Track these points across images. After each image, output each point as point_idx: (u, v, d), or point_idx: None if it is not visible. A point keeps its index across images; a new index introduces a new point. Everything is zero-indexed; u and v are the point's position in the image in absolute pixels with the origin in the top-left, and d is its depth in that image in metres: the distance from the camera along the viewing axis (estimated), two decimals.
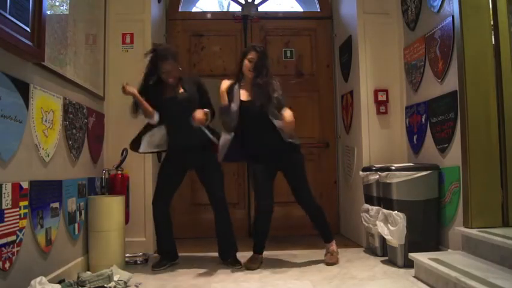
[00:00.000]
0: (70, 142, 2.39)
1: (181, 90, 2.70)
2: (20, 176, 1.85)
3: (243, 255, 2.79)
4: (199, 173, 2.79)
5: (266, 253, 2.86)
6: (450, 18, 2.55)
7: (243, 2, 4.23)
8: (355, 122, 3.46)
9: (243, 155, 2.76)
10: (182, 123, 2.63)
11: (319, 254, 2.91)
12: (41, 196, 2.03)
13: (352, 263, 2.71)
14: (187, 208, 3.79)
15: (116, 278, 2.21)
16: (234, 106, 2.63)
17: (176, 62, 2.68)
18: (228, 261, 2.73)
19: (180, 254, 2.84)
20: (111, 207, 2.60)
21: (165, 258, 2.72)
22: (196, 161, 2.73)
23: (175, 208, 3.71)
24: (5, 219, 1.71)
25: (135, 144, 2.73)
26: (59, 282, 2.05)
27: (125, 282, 2.23)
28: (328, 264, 2.68)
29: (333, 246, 2.80)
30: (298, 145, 2.71)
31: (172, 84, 2.67)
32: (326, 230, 2.81)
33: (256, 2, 4.23)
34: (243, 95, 2.69)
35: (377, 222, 2.72)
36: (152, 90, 2.68)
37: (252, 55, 2.65)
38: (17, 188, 1.81)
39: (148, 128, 2.74)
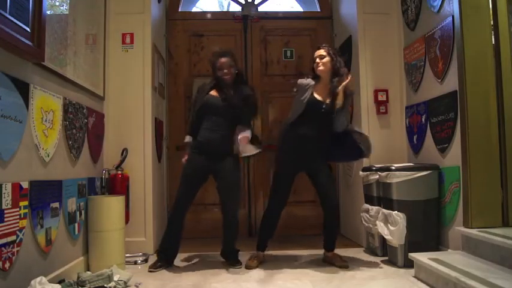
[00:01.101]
0: (70, 142, 2.39)
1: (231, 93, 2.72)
2: (20, 176, 1.85)
3: (243, 255, 2.79)
4: (216, 179, 2.74)
5: (266, 253, 2.86)
6: (450, 18, 2.55)
7: (243, 2, 4.23)
8: (355, 122, 3.46)
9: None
10: (217, 123, 2.67)
11: (319, 254, 2.91)
12: (41, 196, 2.03)
13: (352, 263, 2.71)
14: None
15: (116, 278, 2.21)
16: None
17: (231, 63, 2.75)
18: (229, 262, 2.73)
19: (180, 254, 2.84)
20: (111, 207, 2.60)
21: (162, 259, 2.71)
22: (216, 164, 2.68)
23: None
24: (5, 219, 1.71)
25: None
26: (59, 282, 2.05)
27: (125, 282, 2.23)
28: (343, 267, 2.61)
29: (334, 253, 2.78)
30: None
31: (226, 84, 2.72)
32: (334, 236, 2.80)
33: (256, 2, 4.23)
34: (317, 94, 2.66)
35: (377, 222, 2.72)
36: (207, 89, 2.76)
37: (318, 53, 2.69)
38: (17, 188, 1.81)
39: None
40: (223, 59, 2.71)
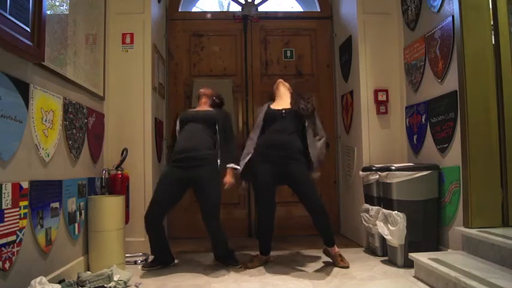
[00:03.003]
0: (70, 142, 2.39)
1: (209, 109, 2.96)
2: (20, 176, 1.85)
3: (243, 256, 2.79)
4: (195, 189, 2.68)
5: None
6: (450, 18, 2.55)
7: (243, 2, 4.23)
8: (355, 122, 3.46)
9: None
10: (194, 133, 2.75)
11: (319, 254, 2.91)
12: (41, 196, 2.03)
13: (352, 263, 2.71)
14: (186, 208, 3.79)
15: (116, 278, 2.22)
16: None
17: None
18: (228, 262, 2.72)
19: (180, 254, 2.83)
20: (111, 207, 2.60)
21: (157, 260, 2.72)
22: (194, 174, 2.62)
23: (175, 208, 3.71)
24: (5, 219, 1.71)
25: None
26: (59, 282, 2.05)
27: (125, 282, 2.23)
28: (343, 267, 2.61)
29: (336, 249, 2.75)
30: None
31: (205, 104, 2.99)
32: (330, 234, 2.76)
33: (256, 2, 4.23)
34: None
35: (377, 222, 2.72)
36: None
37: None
38: (17, 188, 1.81)
39: None
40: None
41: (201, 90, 3.06)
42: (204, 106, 2.98)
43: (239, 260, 2.72)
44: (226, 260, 2.72)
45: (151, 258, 2.90)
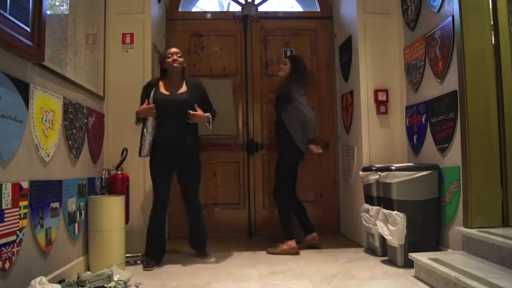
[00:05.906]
0: (70, 142, 2.39)
1: (183, 90, 2.77)
2: (20, 176, 1.85)
3: (243, 256, 2.79)
4: (178, 174, 2.81)
5: (266, 253, 2.85)
6: (450, 18, 2.55)
7: (243, 2, 4.23)
8: (355, 122, 3.46)
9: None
10: (174, 121, 2.70)
11: (319, 254, 2.91)
12: (41, 196, 2.03)
13: (352, 263, 2.71)
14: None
15: (116, 278, 2.22)
16: None
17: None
18: (200, 252, 2.83)
19: (180, 254, 2.83)
20: (111, 207, 2.60)
21: (153, 258, 2.73)
22: (178, 161, 2.75)
23: (174, 207, 3.71)
24: (5, 219, 1.71)
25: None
26: (59, 282, 2.05)
27: (125, 282, 2.23)
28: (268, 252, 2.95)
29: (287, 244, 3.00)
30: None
31: (175, 80, 2.78)
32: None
33: (256, 2, 4.23)
34: None
35: (377, 222, 2.72)
36: (153, 85, 2.78)
37: None
38: (17, 188, 1.81)
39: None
40: (173, 49, 2.82)
41: (172, 50, 2.84)
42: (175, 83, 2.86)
43: (209, 253, 2.83)
44: (201, 251, 2.84)
45: None
